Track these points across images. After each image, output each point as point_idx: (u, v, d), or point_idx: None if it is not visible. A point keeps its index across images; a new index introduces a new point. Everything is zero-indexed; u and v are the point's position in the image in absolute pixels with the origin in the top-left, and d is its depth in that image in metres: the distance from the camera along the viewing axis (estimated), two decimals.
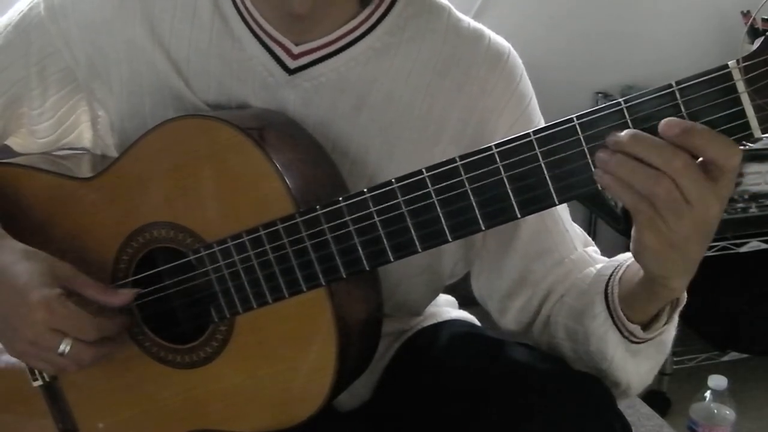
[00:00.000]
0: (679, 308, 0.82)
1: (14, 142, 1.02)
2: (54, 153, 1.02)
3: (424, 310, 1.04)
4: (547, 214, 0.91)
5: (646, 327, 0.81)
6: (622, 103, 0.65)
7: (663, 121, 0.63)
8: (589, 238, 0.97)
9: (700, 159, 0.64)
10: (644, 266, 0.73)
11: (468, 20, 0.92)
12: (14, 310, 0.81)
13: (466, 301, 1.03)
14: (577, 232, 0.95)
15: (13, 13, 0.95)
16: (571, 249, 0.93)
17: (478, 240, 0.94)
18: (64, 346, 0.80)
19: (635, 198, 0.65)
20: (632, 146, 0.64)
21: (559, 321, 0.89)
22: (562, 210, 0.93)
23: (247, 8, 0.89)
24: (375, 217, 0.74)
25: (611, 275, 0.83)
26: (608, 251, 0.92)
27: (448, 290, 1.06)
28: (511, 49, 0.93)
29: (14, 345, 0.83)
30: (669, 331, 0.84)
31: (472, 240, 0.94)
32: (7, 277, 0.81)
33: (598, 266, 0.88)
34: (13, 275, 0.81)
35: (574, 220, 0.96)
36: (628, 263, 0.82)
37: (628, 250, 0.74)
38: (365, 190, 0.74)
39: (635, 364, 0.85)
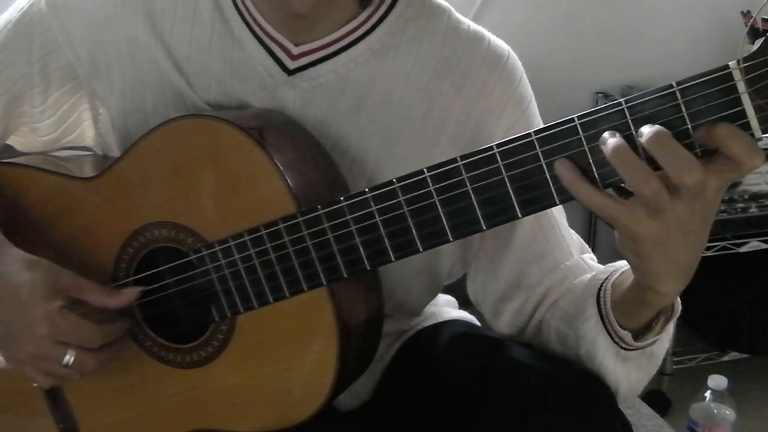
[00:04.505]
0: (673, 320, 0.81)
1: (16, 141, 1.01)
2: (55, 154, 1.02)
3: (424, 310, 1.05)
4: (544, 218, 0.91)
5: (639, 336, 0.81)
6: (623, 103, 0.65)
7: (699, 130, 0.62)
8: (586, 245, 0.97)
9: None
10: (629, 262, 0.73)
11: (468, 22, 0.93)
12: (17, 322, 0.81)
13: (467, 301, 1.03)
14: (573, 238, 0.95)
15: (12, 11, 0.95)
16: (566, 255, 0.93)
17: (475, 241, 0.95)
18: (69, 358, 0.81)
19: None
20: (652, 142, 0.62)
21: (551, 325, 0.89)
22: (559, 215, 0.93)
23: (247, 8, 0.89)
24: (376, 216, 0.74)
25: (605, 279, 0.83)
26: (608, 253, 0.91)
27: (448, 290, 1.06)
28: (511, 51, 0.93)
29: (16, 355, 0.83)
30: (662, 343, 0.83)
31: (470, 241, 0.95)
32: (8, 288, 0.81)
33: (594, 273, 0.88)
34: (15, 286, 0.81)
35: (574, 222, 0.96)
36: (623, 269, 0.81)
37: None
38: (366, 189, 0.74)
39: (625, 370, 0.84)
